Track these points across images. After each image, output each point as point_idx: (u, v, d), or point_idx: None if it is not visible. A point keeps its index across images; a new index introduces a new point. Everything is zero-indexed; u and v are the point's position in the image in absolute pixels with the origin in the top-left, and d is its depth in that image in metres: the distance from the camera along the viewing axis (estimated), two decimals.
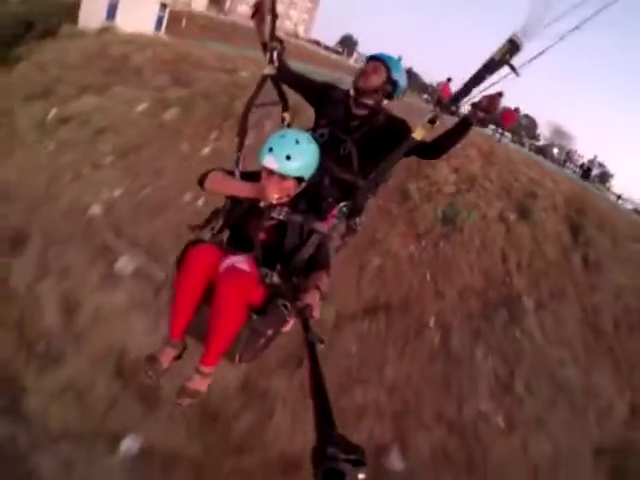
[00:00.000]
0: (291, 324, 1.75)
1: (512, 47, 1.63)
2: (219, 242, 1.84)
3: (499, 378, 5.90)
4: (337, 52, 34.91)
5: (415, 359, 5.90)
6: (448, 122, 1.96)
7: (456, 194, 7.78)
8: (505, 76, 1.67)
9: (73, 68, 11.55)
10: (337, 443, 0.62)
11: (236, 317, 1.64)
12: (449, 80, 9.31)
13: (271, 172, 1.71)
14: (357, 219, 2.17)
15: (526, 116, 34.28)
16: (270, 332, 1.72)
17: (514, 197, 8.08)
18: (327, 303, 4.56)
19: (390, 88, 2.07)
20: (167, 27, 17.99)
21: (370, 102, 2.07)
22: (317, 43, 32.98)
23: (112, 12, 16.09)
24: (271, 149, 1.67)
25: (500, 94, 1.74)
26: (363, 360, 5.83)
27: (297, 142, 1.70)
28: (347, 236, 2.18)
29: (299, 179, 1.76)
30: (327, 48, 33.38)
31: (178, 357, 1.85)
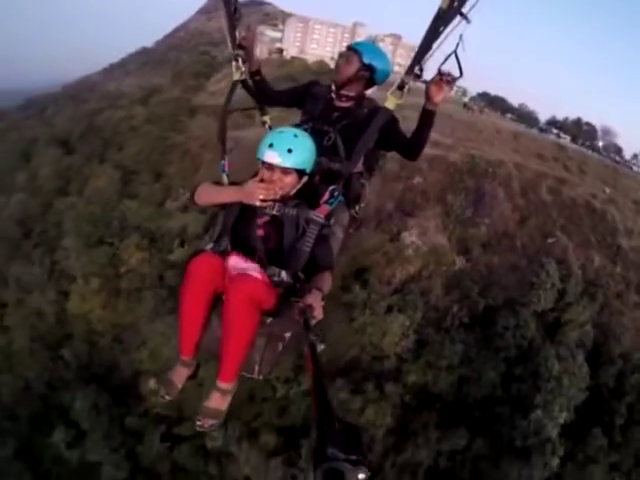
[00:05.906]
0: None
1: None
2: (220, 250, 1.81)
3: None
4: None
5: None
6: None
7: None
8: (457, 24, 1.61)
9: None
10: (337, 443, 0.62)
11: (249, 323, 1.56)
12: None
13: (271, 167, 1.69)
14: (357, 206, 2.14)
15: (587, 124, 46.91)
16: (288, 335, 1.64)
17: None
18: None
19: (367, 74, 2.04)
20: None
21: (351, 93, 2.08)
22: None
23: None
24: (271, 145, 1.66)
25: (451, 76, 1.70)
26: None
27: (296, 136, 1.71)
28: (350, 227, 2.14)
29: (300, 173, 1.74)
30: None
31: (193, 376, 1.79)
